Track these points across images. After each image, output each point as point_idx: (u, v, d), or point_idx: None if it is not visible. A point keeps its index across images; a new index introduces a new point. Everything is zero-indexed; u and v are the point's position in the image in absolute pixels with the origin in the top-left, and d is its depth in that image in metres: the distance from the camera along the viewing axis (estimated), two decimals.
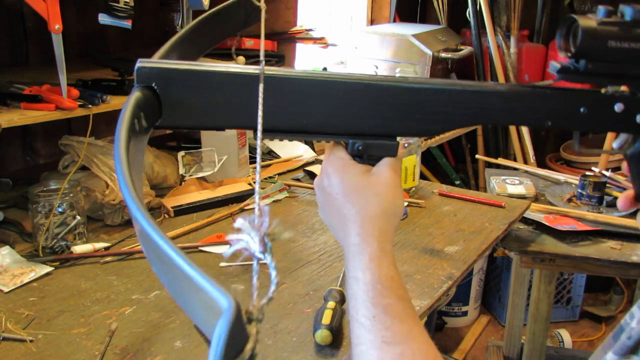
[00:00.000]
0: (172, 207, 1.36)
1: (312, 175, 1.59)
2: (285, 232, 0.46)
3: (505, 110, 0.72)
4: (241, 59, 1.56)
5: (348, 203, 0.65)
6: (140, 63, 0.61)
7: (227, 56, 1.56)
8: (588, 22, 0.68)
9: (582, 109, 0.73)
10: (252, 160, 1.72)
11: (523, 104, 0.72)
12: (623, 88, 0.75)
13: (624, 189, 1.47)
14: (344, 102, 0.67)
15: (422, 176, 1.61)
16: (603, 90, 0.75)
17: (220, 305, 0.36)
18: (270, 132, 0.66)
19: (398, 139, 0.70)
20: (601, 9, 0.69)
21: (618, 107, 0.74)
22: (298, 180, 1.59)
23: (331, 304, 0.94)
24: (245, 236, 0.47)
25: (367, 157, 0.69)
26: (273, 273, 0.43)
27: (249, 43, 1.62)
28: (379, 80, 0.68)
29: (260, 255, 0.46)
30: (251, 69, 0.64)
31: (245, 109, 0.63)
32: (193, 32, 0.82)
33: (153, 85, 0.61)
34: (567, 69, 0.72)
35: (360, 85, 0.67)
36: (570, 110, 0.73)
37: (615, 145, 0.81)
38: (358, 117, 0.67)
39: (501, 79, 2.64)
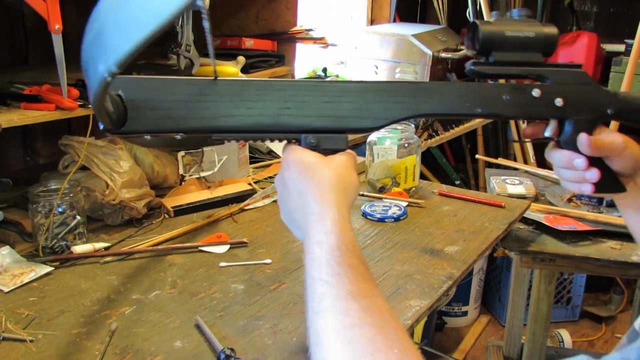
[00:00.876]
0: (172, 207, 1.36)
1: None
2: None
3: (438, 101, 0.80)
4: (241, 58, 1.56)
5: (307, 178, 0.69)
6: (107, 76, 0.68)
7: (226, 56, 1.56)
8: (485, 22, 0.82)
9: (504, 97, 0.82)
10: (252, 160, 1.72)
11: (453, 95, 0.81)
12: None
13: None
14: (295, 101, 0.73)
15: (422, 176, 1.61)
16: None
17: None
18: (228, 132, 0.72)
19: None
20: (493, 13, 0.84)
21: (535, 92, 0.83)
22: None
23: None
24: None
25: (321, 150, 0.74)
26: None
27: (249, 43, 1.62)
28: (324, 81, 0.76)
29: None
30: (203, 78, 0.70)
31: (204, 112, 0.70)
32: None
33: (120, 92, 0.67)
34: (478, 62, 0.84)
35: (308, 86, 0.74)
36: (494, 98, 0.82)
37: (546, 133, 0.87)
38: (308, 115, 0.74)
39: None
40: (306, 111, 0.74)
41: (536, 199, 1.72)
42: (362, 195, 1.51)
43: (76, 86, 1.22)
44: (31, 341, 0.88)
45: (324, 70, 2.32)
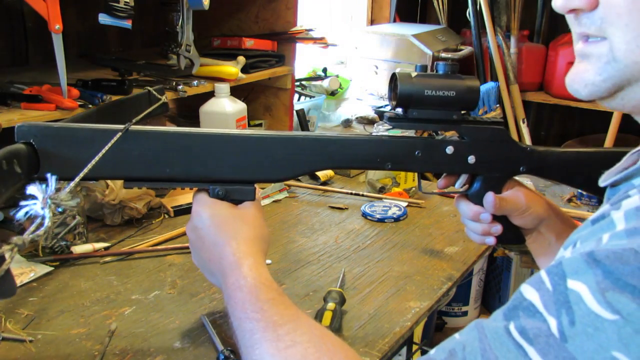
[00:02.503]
0: (172, 207, 1.36)
1: (312, 176, 1.59)
2: (71, 201, 0.57)
3: (346, 155, 0.81)
4: (241, 58, 1.56)
5: (222, 232, 0.73)
6: (20, 124, 0.69)
7: (226, 56, 1.56)
8: (405, 76, 0.81)
9: (417, 152, 0.83)
10: None
11: (363, 150, 0.81)
12: (452, 133, 0.86)
13: None
14: (203, 153, 0.75)
15: (422, 176, 1.61)
16: (441, 136, 0.86)
17: None
18: (138, 181, 0.74)
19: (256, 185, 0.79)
20: (417, 66, 0.83)
21: (449, 149, 0.84)
22: (298, 180, 1.59)
23: (331, 305, 0.94)
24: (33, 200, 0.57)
25: (229, 201, 0.76)
26: (45, 220, 0.53)
27: (249, 43, 1.62)
28: (232, 132, 0.77)
29: (42, 212, 0.56)
30: (115, 127, 0.72)
31: (115, 159, 0.71)
32: (95, 113, 0.99)
33: (31, 141, 0.68)
34: (396, 117, 0.84)
35: (216, 137, 0.75)
36: (406, 154, 0.83)
37: (456, 186, 0.92)
38: (216, 166, 0.75)
39: (501, 79, 2.64)
40: (215, 162, 0.75)
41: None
42: (362, 195, 1.51)
43: (76, 86, 1.21)
44: (30, 341, 0.88)
45: (324, 70, 2.32)
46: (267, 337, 0.63)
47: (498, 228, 0.88)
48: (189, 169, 0.74)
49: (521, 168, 0.88)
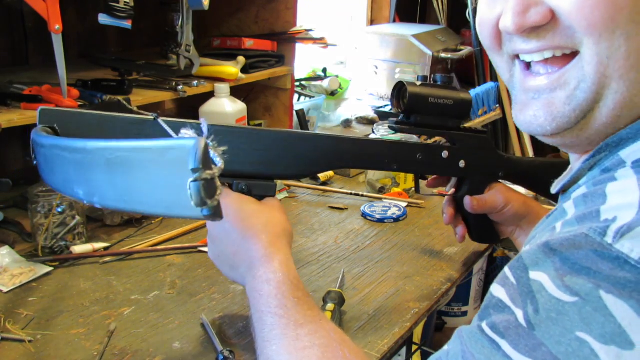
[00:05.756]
0: None
1: (312, 176, 1.59)
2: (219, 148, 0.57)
3: (359, 155, 0.87)
4: (241, 59, 1.56)
5: (251, 225, 0.74)
6: (42, 107, 0.70)
7: (226, 56, 1.56)
8: (413, 85, 0.91)
9: (418, 155, 0.92)
10: None
11: (373, 151, 0.88)
12: (437, 139, 0.99)
13: None
14: (230, 147, 0.75)
15: (421, 177, 1.61)
16: (432, 141, 0.96)
17: (187, 144, 0.43)
18: None
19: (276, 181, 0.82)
20: (419, 76, 0.94)
21: (444, 154, 0.95)
22: (298, 180, 1.59)
23: (330, 305, 0.95)
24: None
25: (252, 196, 0.78)
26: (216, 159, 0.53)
27: (249, 43, 1.62)
28: (255, 129, 0.81)
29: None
30: (143, 117, 0.73)
31: None
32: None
33: (55, 126, 0.68)
34: (402, 122, 0.94)
35: (243, 132, 0.78)
36: (410, 157, 0.92)
37: (447, 188, 1.05)
38: (238, 161, 0.77)
39: (501, 79, 2.64)
40: (239, 157, 0.77)
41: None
42: (362, 195, 1.51)
43: (76, 86, 1.22)
44: (30, 341, 0.88)
45: (324, 70, 2.32)
46: (286, 335, 0.64)
47: (460, 229, 1.05)
48: None
49: (500, 173, 1.01)
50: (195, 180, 0.44)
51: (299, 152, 0.81)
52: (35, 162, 0.65)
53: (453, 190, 1.03)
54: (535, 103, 0.59)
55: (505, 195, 1.00)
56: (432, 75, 0.95)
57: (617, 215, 0.45)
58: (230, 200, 0.75)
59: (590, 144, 0.59)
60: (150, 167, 0.47)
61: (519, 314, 0.45)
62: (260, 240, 0.73)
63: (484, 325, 0.48)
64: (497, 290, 0.49)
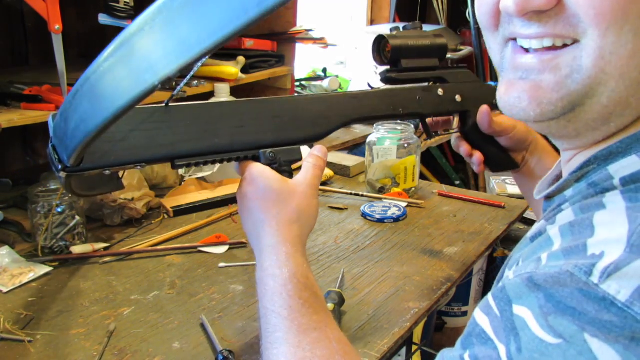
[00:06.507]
0: (171, 208, 1.36)
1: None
2: None
3: (366, 107, 0.90)
4: (241, 59, 1.56)
5: (266, 209, 0.71)
6: (53, 113, 0.68)
7: (226, 56, 1.56)
8: (391, 35, 0.96)
9: (418, 97, 0.96)
10: None
11: (378, 101, 0.92)
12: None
13: None
14: (248, 119, 0.76)
15: (422, 176, 1.61)
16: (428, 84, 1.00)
17: None
18: (188, 157, 0.72)
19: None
20: (391, 28, 0.99)
21: (440, 91, 0.99)
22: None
23: (330, 306, 0.94)
24: None
25: (281, 162, 0.78)
26: None
27: (249, 43, 1.62)
28: (270, 99, 0.82)
29: None
30: (155, 105, 0.71)
31: (161, 139, 0.70)
32: None
33: None
34: (390, 71, 0.97)
35: (258, 103, 0.79)
36: (410, 100, 0.95)
37: (454, 126, 1.05)
38: (263, 131, 0.77)
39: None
40: (260, 127, 0.77)
41: None
42: (362, 195, 1.51)
43: None
44: (29, 342, 0.88)
45: (324, 70, 2.32)
46: (288, 340, 0.62)
47: (476, 157, 1.02)
48: (235, 138, 0.74)
49: (494, 101, 0.99)
50: None
51: (311, 113, 0.83)
52: (56, 169, 0.63)
53: (459, 125, 1.04)
54: (521, 84, 0.55)
55: (510, 119, 0.98)
56: (404, 26, 1.00)
57: (605, 250, 0.43)
58: (259, 173, 0.72)
59: (577, 135, 0.56)
60: None
61: (502, 350, 0.44)
62: (270, 227, 0.69)
63: (466, 356, 0.46)
64: (480, 318, 0.48)
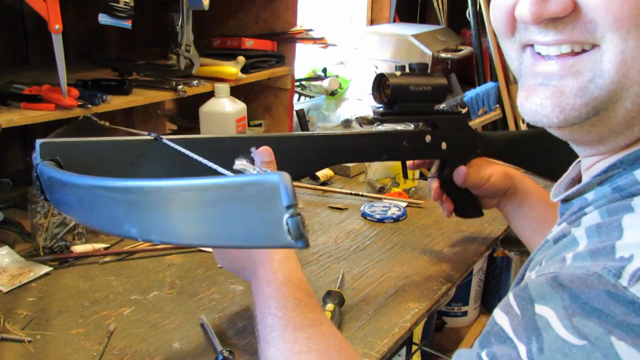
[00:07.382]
0: None
1: (312, 176, 1.59)
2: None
3: (351, 150, 0.91)
4: (241, 59, 1.55)
5: None
6: (42, 141, 0.67)
7: (226, 56, 1.56)
8: (394, 75, 0.95)
9: (404, 142, 0.96)
10: None
11: (363, 144, 0.93)
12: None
13: None
14: (234, 155, 0.76)
15: (422, 176, 1.61)
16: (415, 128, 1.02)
17: (273, 180, 0.43)
18: None
19: None
20: (397, 66, 0.97)
21: (427, 138, 0.99)
22: (297, 179, 1.59)
23: (330, 306, 0.94)
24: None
25: None
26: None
27: (249, 43, 1.62)
28: (261, 135, 0.86)
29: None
30: (143, 138, 0.72)
31: (145, 173, 0.71)
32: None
33: (57, 158, 0.66)
34: (386, 113, 0.98)
35: (243, 140, 0.80)
36: (397, 145, 0.96)
37: (432, 171, 1.09)
38: None
39: (501, 79, 2.64)
40: None
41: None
42: (362, 195, 1.51)
43: (76, 86, 1.21)
44: (29, 342, 0.88)
45: (324, 70, 2.32)
46: (284, 338, 0.63)
47: (447, 205, 1.09)
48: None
49: (478, 150, 1.05)
50: (292, 216, 0.45)
51: (292, 154, 0.83)
52: (42, 197, 0.62)
53: (437, 170, 1.08)
54: (543, 90, 0.54)
55: (485, 170, 1.03)
56: (409, 65, 0.99)
57: (634, 254, 0.42)
58: None
59: (600, 140, 0.55)
60: (224, 203, 0.45)
61: (522, 350, 0.43)
62: None
63: (484, 354, 0.46)
64: (499, 317, 0.47)
